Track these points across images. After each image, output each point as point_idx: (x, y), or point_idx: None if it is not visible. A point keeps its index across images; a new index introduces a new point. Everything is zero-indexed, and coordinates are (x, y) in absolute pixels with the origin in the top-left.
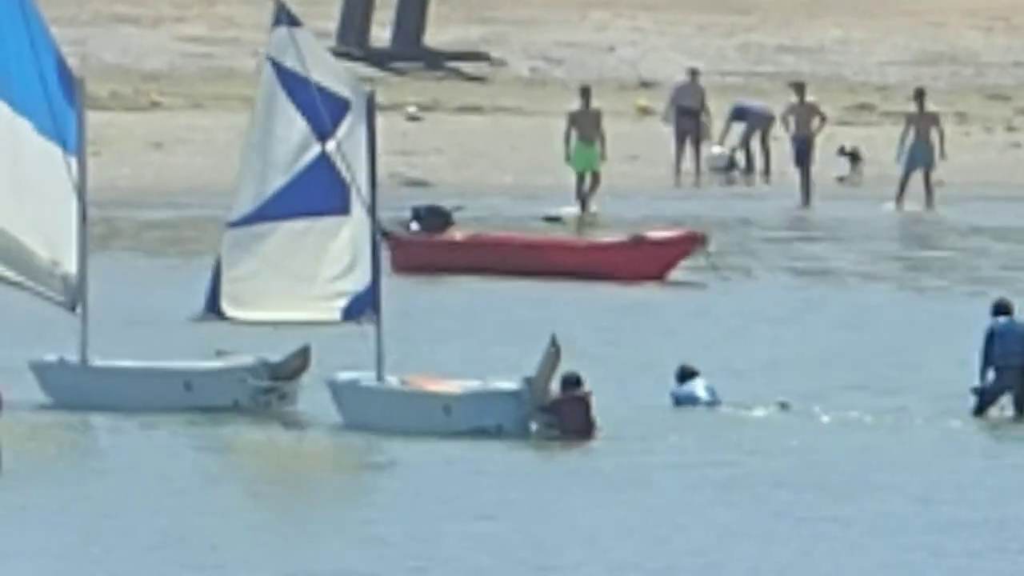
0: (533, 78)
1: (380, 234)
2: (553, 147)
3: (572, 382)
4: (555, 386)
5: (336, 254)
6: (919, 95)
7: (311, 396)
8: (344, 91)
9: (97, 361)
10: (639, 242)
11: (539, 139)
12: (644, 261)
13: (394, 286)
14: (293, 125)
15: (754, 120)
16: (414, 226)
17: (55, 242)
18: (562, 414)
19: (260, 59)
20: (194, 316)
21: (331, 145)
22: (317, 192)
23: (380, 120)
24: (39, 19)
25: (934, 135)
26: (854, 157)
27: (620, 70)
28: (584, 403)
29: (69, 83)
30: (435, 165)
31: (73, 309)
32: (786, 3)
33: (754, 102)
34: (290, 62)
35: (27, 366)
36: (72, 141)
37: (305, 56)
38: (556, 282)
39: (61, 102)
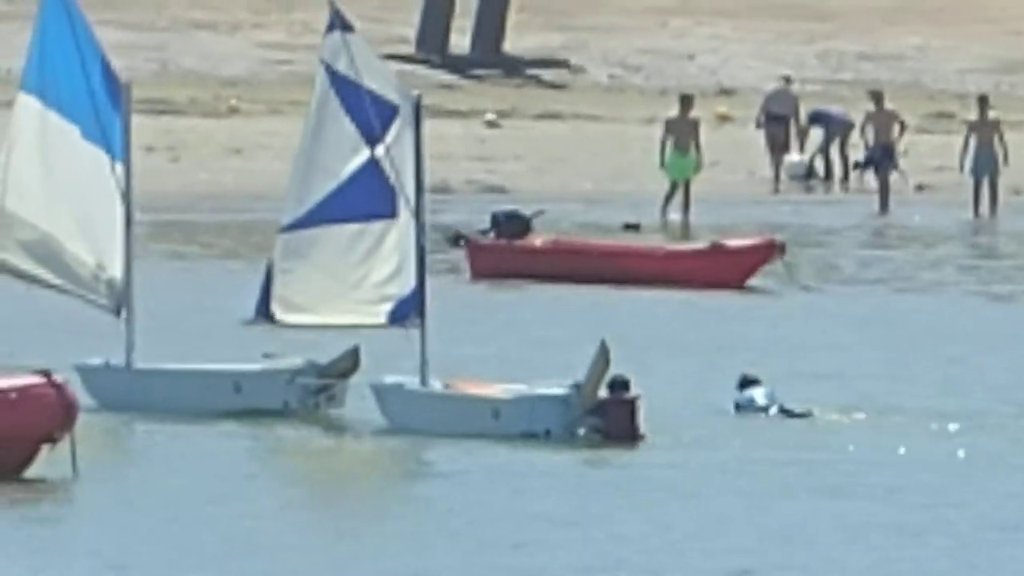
0: (612, 85)
1: (458, 240)
2: (631, 154)
3: (620, 385)
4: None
5: (383, 258)
6: (981, 102)
7: (359, 399)
8: (393, 96)
9: (141, 364)
10: (717, 250)
11: (618, 146)
12: (722, 268)
13: (469, 291)
14: (344, 130)
15: (833, 127)
16: (489, 233)
17: (101, 247)
18: (607, 416)
19: None
20: (246, 320)
21: (380, 150)
22: (366, 197)
23: (459, 126)
24: (85, 24)
25: (996, 142)
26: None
27: (700, 77)
28: (630, 407)
29: (115, 88)
30: (514, 171)
31: (118, 313)
32: (866, 10)
33: (833, 108)
34: (342, 67)
35: (72, 369)
36: (118, 146)
37: (357, 61)
38: (634, 289)
39: (107, 107)
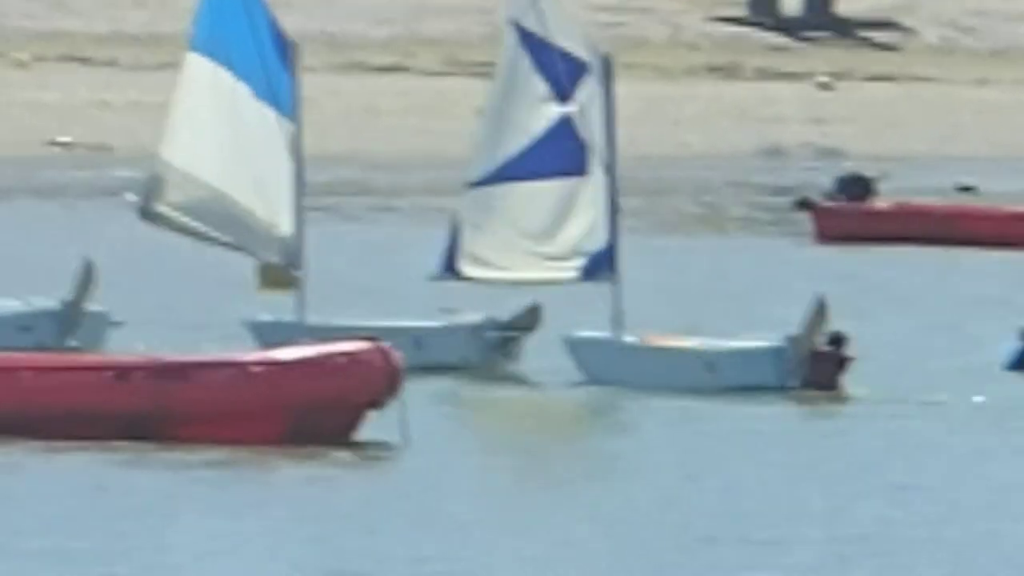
0: (943, 46)
1: (804, 205)
2: (963, 116)
3: (835, 341)
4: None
5: (575, 215)
6: None
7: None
8: (583, 53)
9: (313, 319)
10: None
11: (949, 108)
12: None
13: (814, 253)
14: (534, 87)
15: None
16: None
17: (272, 204)
18: (812, 366)
19: (670, 28)
20: (431, 276)
21: (572, 107)
22: (557, 154)
23: (791, 89)
24: None
25: None
26: None
27: None
28: (836, 363)
29: (283, 48)
30: (847, 134)
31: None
32: None
33: None
34: (531, 24)
35: (245, 325)
36: (287, 104)
37: (546, 18)
38: (978, 250)
39: (276, 66)
